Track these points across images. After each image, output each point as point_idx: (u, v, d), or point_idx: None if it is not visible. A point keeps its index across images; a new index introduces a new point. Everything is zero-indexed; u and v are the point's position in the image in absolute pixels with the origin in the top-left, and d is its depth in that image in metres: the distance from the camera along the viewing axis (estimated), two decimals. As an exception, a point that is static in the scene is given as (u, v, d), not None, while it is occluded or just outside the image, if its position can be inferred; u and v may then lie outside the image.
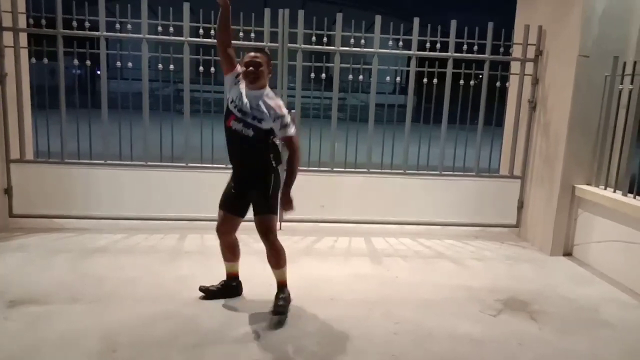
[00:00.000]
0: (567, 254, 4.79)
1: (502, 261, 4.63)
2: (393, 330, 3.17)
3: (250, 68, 3.07)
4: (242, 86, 3.16)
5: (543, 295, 3.84)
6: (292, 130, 3.08)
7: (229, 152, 3.28)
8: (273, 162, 3.18)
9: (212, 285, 3.49)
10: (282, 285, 3.33)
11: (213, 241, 4.63)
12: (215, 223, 3.39)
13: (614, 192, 4.35)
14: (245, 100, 3.10)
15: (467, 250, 4.85)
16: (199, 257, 4.29)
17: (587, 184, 4.63)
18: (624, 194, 4.21)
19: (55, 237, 4.59)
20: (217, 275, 3.80)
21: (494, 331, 3.23)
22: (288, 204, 3.07)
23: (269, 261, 3.28)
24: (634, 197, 4.11)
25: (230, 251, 3.43)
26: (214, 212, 4.87)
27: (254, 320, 3.22)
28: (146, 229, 4.88)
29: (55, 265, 3.95)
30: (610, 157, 4.50)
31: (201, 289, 3.46)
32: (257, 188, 3.20)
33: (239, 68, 3.21)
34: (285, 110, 3.09)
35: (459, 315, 3.42)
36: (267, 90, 3.16)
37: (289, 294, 3.35)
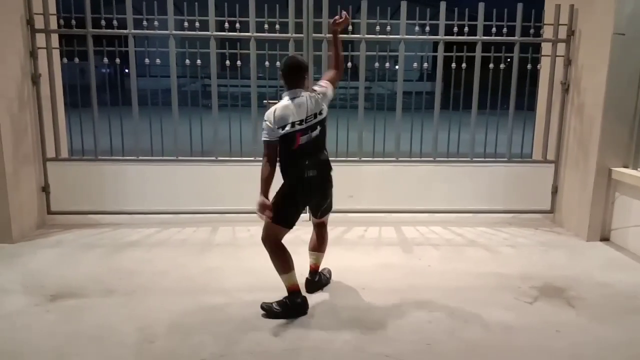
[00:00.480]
0: (605, 239, 4.66)
1: (536, 247, 4.53)
2: (427, 319, 3.14)
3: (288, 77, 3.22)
4: (287, 105, 3.12)
5: (579, 281, 3.74)
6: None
7: (298, 168, 3.16)
8: (327, 154, 3.33)
9: (276, 306, 3.18)
10: (318, 268, 3.59)
11: (244, 233, 4.75)
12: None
13: (653, 174, 4.21)
14: (300, 111, 3.11)
15: (500, 237, 4.77)
16: (229, 250, 4.34)
17: (624, 167, 4.48)
18: (664, 176, 4.06)
19: (90, 232, 4.71)
20: (246, 267, 3.85)
21: (530, 318, 3.17)
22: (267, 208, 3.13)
23: (323, 245, 3.52)
24: (675, 179, 3.96)
25: (289, 259, 3.20)
26: (245, 204, 4.98)
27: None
28: (178, 222, 4.97)
29: (91, 260, 4.06)
30: (649, 138, 4.35)
31: (263, 307, 3.19)
32: (326, 189, 3.35)
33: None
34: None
35: (493, 303, 3.37)
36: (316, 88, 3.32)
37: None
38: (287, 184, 3.23)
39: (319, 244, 3.51)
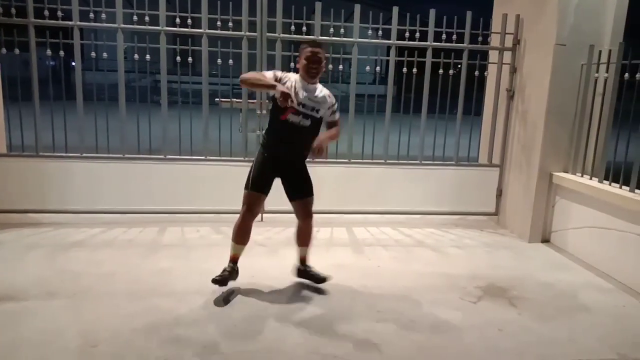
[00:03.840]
0: (545, 240, 4.87)
1: (481, 248, 4.68)
2: (375, 319, 3.18)
3: (314, 65, 3.28)
4: (293, 80, 3.29)
5: (522, 281, 3.90)
6: (338, 115, 3.47)
7: (274, 140, 3.39)
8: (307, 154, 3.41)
9: (221, 275, 3.36)
10: (306, 260, 3.64)
11: (193, 234, 4.66)
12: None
13: (590, 179, 4.42)
14: (305, 93, 3.29)
15: (447, 239, 4.90)
16: (178, 250, 4.25)
17: (565, 172, 4.70)
18: (600, 181, 4.28)
19: (31, 232, 4.49)
20: (196, 268, 3.79)
21: (474, 318, 3.27)
22: (320, 150, 3.26)
23: (302, 240, 3.56)
24: (610, 184, 4.18)
25: (248, 233, 3.42)
26: (194, 204, 4.91)
27: (233, 312, 3.21)
28: (125, 222, 4.82)
29: (32, 261, 3.87)
30: (587, 145, 4.57)
31: (214, 280, 3.32)
32: (300, 172, 3.46)
33: (279, 74, 3.30)
34: (334, 99, 3.45)
35: (440, 303, 3.46)
36: (320, 86, 3.40)
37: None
38: (260, 152, 3.45)
39: (299, 238, 3.55)
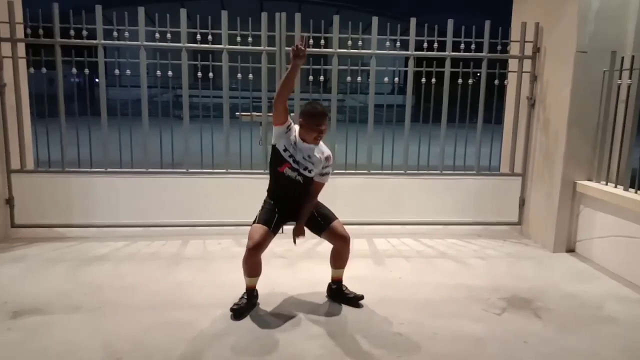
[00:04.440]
0: (570, 250, 4.77)
1: (504, 259, 4.62)
2: (397, 331, 3.16)
3: (320, 135, 3.29)
4: (294, 135, 3.30)
5: (546, 292, 3.82)
6: (327, 178, 3.44)
7: (274, 188, 3.43)
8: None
9: (238, 303, 3.35)
10: (340, 280, 3.58)
11: (214, 246, 4.70)
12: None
13: (615, 187, 4.34)
14: (300, 152, 3.28)
15: (469, 249, 4.84)
16: (199, 263, 4.30)
17: (588, 180, 4.62)
18: (625, 189, 4.19)
19: (56, 246, 4.59)
20: (217, 280, 3.83)
21: (498, 330, 3.22)
22: (301, 232, 3.37)
23: (337, 262, 3.51)
24: (635, 192, 4.09)
25: (259, 267, 3.37)
26: (215, 216, 4.96)
27: (252, 325, 3.22)
28: (148, 235, 4.89)
29: (56, 275, 3.96)
30: (611, 153, 4.48)
31: (232, 310, 3.31)
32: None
33: (290, 120, 3.30)
34: (331, 162, 3.43)
35: (462, 315, 3.41)
36: (321, 143, 3.39)
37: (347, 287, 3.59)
38: (266, 200, 3.46)
39: (332, 260, 3.52)
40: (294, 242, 3.39)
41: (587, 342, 3.10)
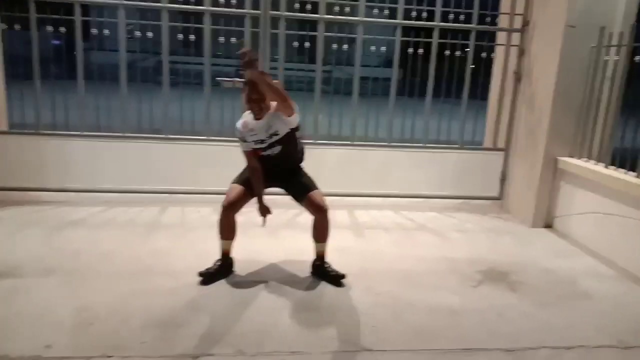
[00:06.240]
0: (548, 226, 4.81)
1: (483, 233, 4.64)
2: (374, 302, 3.16)
3: (254, 107, 3.16)
4: (250, 122, 3.24)
5: (523, 266, 3.85)
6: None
7: (263, 166, 3.33)
8: (299, 156, 3.45)
9: (209, 268, 3.35)
10: (322, 256, 3.47)
11: (193, 214, 4.64)
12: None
13: (596, 164, 4.35)
14: (258, 132, 3.22)
15: (449, 223, 4.85)
16: (178, 230, 4.24)
17: (570, 157, 4.62)
18: (606, 167, 4.21)
19: (30, 209, 4.48)
20: (195, 248, 3.78)
21: (473, 302, 3.24)
22: (265, 210, 3.36)
23: (316, 234, 3.40)
24: (615, 170, 4.11)
25: (233, 229, 3.34)
26: (195, 184, 4.88)
27: (228, 293, 3.20)
28: (125, 202, 4.80)
29: (30, 238, 3.87)
30: (594, 130, 4.48)
31: (201, 274, 3.29)
32: (294, 176, 3.41)
33: (242, 131, 3.27)
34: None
35: (439, 287, 3.43)
36: (270, 111, 3.22)
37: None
38: None
39: (314, 232, 3.41)
40: (263, 223, 3.38)
41: (563, 316, 3.13)
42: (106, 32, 4.76)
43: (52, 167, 4.75)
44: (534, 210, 4.77)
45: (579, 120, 4.55)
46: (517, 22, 5.00)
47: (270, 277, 3.44)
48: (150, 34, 4.77)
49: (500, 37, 5.18)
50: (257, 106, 3.16)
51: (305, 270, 3.52)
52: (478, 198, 5.38)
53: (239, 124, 3.30)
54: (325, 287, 3.33)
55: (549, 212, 4.79)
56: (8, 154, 4.68)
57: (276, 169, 3.35)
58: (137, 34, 4.75)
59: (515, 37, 5.04)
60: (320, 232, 3.40)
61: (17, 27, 4.56)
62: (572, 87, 4.51)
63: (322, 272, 3.45)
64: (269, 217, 3.39)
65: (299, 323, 2.88)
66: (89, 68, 4.73)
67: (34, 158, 4.72)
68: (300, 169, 3.47)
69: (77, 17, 4.55)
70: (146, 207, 4.73)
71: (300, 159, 3.46)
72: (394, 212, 5.04)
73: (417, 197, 5.30)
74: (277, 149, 3.26)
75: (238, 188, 3.28)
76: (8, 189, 4.70)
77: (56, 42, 5.02)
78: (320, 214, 3.33)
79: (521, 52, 5.03)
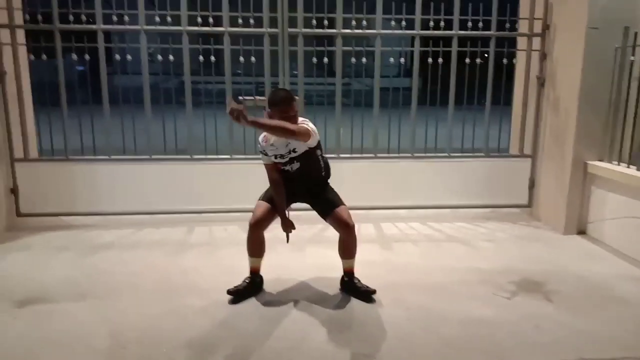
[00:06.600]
0: (581, 232, 4.69)
1: (514, 242, 4.55)
2: (405, 316, 3.11)
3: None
4: (270, 136, 3.23)
5: (557, 275, 3.76)
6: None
7: (286, 179, 3.33)
8: (323, 173, 3.40)
9: (238, 286, 3.35)
10: (351, 272, 3.43)
11: (220, 233, 4.66)
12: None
13: (628, 167, 4.23)
14: (278, 147, 3.22)
15: (478, 232, 4.77)
16: (206, 250, 4.26)
17: (600, 160, 4.51)
18: (638, 169, 4.09)
19: (61, 234, 4.57)
20: (223, 266, 3.80)
21: (508, 314, 3.16)
22: (288, 226, 3.33)
23: (343, 252, 3.38)
24: (648, 172, 4.00)
25: (261, 246, 3.35)
26: (221, 203, 4.91)
27: (259, 311, 3.19)
28: (153, 223, 4.86)
29: (62, 263, 3.93)
30: (623, 132, 4.37)
31: (230, 292, 3.30)
32: (319, 192, 3.38)
33: (263, 145, 3.29)
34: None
35: (471, 299, 3.36)
36: None
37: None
38: None
39: (340, 249, 3.39)
40: (287, 240, 3.36)
41: (600, 323, 3.04)
42: (129, 57, 4.85)
43: (81, 191, 4.84)
44: (566, 217, 4.66)
45: (607, 123, 4.45)
46: (537, 27, 4.93)
47: (299, 294, 3.42)
48: (171, 57, 4.85)
49: (521, 42, 5.12)
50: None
51: (334, 287, 3.49)
52: (506, 206, 5.29)
53: (260, 137, 3.31)
54: (354, 303, 3.29)
55: (582, 217, 4.67)
56: (39, 181, 4.79)
57: (300, 184, 3.34)
58: (159, 57, 4.83)
59: (536, 42, 4.98)
60: (348, 248, 3.37)
61: (44, 57, 4.68)
62: (598, 90, 4.42)
63: (352, 288, 3.40)
64: (292, 232, 3.37)
65: (330, 341, 2.84)
66: (112, 91, 4.82)
67: (63, 183, 4.82)
68: (326, 185, 3.45)
69: (101, 44, 4.65)
70: (174, 227, 4.77)
71: (326, 175, 3.43)
72: (421, 223, 4.98)
73: (443, 207, 5.23)
74: (296, 165, 3.26)
75: (264, 205, 3.29)
76: (40, 214, 4.80)
77: (80, 67, 5.15)
78: (346, 230, 3.29)
79: (543, 56, 4.96)
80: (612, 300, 3.37)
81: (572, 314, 3.17)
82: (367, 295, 3.33)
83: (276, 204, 3.27)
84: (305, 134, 3.08)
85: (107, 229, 4.71)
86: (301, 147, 3.20)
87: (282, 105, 3.11)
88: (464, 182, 5.21)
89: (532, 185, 5.25)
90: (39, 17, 4.53)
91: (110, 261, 3.97)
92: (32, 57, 4.73)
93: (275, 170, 3.29)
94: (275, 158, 3.26)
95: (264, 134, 3.28)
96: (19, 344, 2.79)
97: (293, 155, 3.22)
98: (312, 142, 3.20)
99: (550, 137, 4.95)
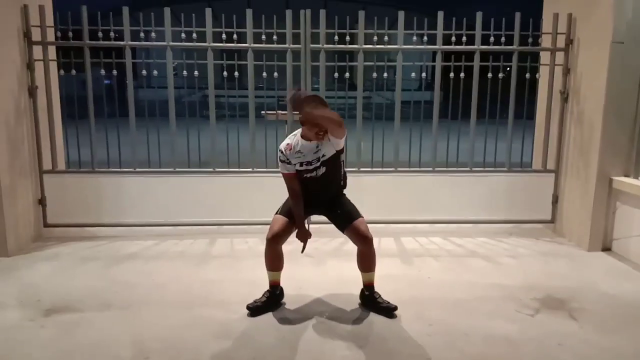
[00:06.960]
0: (606, 249, 4.61)
1: (537, 258, 4.49)
2: (426, 332, 3.09)
3: (321, 137, 3.16)
4: (297, 144, 3.24)
5: (582, 292, 3.70)
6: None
7: (306, 190, 3.33)
8: (342, 182, 3.42)
9: (257, 300, 3.37)
10: (371, 286, 3.42)
11: (242, 245, 4.71)
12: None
13: (655, 183, 4.17)
14: (306, 153, 3.22)
15: (500, 248, 4.72)
16: (227, 261, 4.31)
17: (625, 176, 4.45)
18: (666, 185, 4.03)
19: (87, 245, 4.67)
20: (245, 278, 3.82)
21: (531, 331, 3.12)
22: (304, 236, 3.34)
23: (362, 265, 3.38)
24: (677, 188, 3.93)
25: (279, 260, 3.36)
26: (243, 215, 4.96)
27: (280, 324, 3.21)
28: (176, 234, 4.93)
29: (88, 273, 4.02)
30: (650, 147, 4.31)
31: (249, 307, 3.31)
32: (338, 203, 3.38)
33: (286, 153, 3.28)
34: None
35: (494, 315, 3.32)
36: None
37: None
38: None
39: (359, 263, 3.39)
40: (302, 249, 3.36)
41: (626, 342, 2.99)
42: (155, 72, 4.97)
43: (107, 203, 4.95)
44: (590, 233, 4.58)
45: (632, 137, 4.39)
46: (561, 41, 4.91)
47: (319, 307, 3.43)
48: (196, 73, 4.95)
49: (544, 56, 5.10)
50: (324, 136, 3.17)
51: (354, 301, 3.49)
52: (529, 222, 5.23)
53: (282, 146, 3.30)
54: (374, 317, 3.28)
55: (607, 234, 4.60)
56: (66, 192, 4.90)
57: (318, 193, 3.34)
58: (184, 73, 4.93)
59: (560, 56, 4.95)
60: (367, 261, 3.36)
61: (73, 72, 4.82)
62: (623, 104, 4.37)
63: (372, 302, 3.39)
64: (308, 242, 3.37)
65: (350, 356, 2.84)
66: (137, 104, 4.93)
67: (90, 195, 4.93)
68: (343, 196, 3.45)
69: (128, 60, 4.78)
70: (196, 239, 4.83)
71: (343, 185, 3.44)
72: (442, 238, 4.96)
73: (465, 222, 5.19)
74: (322, 170, 3.25)
75: (281, 219, 3.30)
76: (66, 225, 4.91)
77: (107, 81, 5.28)
78: (365, 243, 3.28)
79: (566, 71, 4.93)
80: (639, 319, 3.30)
81: (597, 331, 3.11)
82: (388, 311, 3.31)
83: (294, 214, 3.28)
84: (343, 125, 3.13)
85: (131, 240, 4.79)
86: (330, 150, 3.21)
87: (320, 104, 3.08)
88: (486, 197, 5.17)
89: (555, 200, 5.18)
90: (70, 34, 4.67)
91: (134, 272, 4.04)
92: (62, 72, 4.87)
93: (294, 180, 3.30)
94: (301, 166, 3.25)
95: (287, 142, 3.28)
96: (45, 353, 2.85)
97: (322, 160, 3.22)
98: (341, 143, 3.23)
99: (574, 151, 4.89)
